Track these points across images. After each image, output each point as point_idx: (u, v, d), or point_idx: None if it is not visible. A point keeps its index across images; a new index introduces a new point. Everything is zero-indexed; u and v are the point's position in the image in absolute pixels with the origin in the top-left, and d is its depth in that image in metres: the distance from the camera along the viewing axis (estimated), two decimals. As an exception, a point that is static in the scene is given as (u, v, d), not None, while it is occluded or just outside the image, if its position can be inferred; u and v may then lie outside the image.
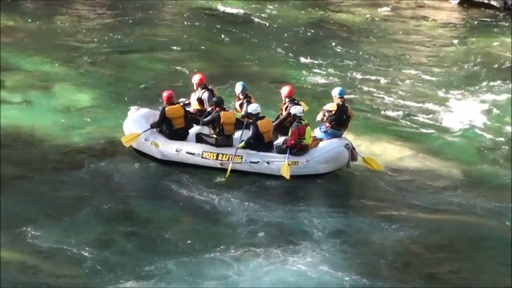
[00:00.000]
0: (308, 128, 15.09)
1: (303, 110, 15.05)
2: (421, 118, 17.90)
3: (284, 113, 15.50)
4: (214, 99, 15.40)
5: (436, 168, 15.44)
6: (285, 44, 22.65)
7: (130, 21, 22.84)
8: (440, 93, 19.45)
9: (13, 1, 24.23)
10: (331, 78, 20.11)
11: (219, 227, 13.00)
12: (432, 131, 17.24)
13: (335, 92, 15.60)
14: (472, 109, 18.45)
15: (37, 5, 23.90)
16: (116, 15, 23.07)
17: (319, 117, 15.46)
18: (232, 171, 14.69)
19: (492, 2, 28.17)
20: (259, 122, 14.98)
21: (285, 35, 23.48)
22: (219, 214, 13.44)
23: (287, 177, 14.36)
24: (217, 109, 15.10)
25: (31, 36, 21.26)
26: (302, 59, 21.12)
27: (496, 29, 25.76)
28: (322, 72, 20.47)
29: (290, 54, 21.74)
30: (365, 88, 19.58)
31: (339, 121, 15.50)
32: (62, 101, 17.21)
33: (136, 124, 15.45)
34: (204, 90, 15.84)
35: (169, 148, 15.13)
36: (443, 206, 13.90)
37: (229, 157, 14.88)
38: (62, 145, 15.25)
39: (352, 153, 15.26)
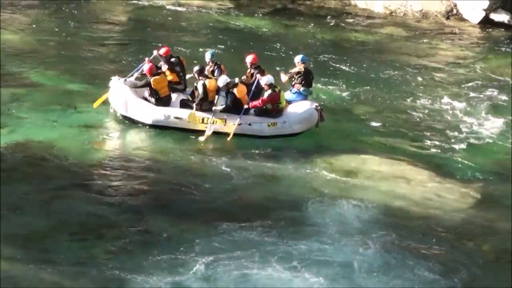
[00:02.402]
0: (282, 92, 17.12)
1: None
2: (439, 138, 17.84)
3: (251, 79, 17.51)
4: (197, 67, 17.15)
5: (452, 187, 15.45)
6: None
7: (151, 39, 22.93)
8: (458, 114, 19.37)
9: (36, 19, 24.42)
10: (347, 96, 20.15)
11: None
12: (448, 151, 17.20)
13: (298, 58, 17.79)
14: (490, 130, 18.40)
15: (58, 22, 24.05)
16: (137, 33, 23.19)
17: (283, 78, 17.66)
18: (217, 133, 16.62)
19: (513, 23, 28.19)
20: (236, 89, 16.87)
21: (303, 53, 23.45)
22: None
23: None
24: (201, 77, 16.93)
25: (52, 52, 21.34)
26: (320, 78, 21.10)
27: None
28: (337, 90, 20.49)
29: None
30: (383, 107, 19.59)
31: (308, 80, 17.61)
32: (83, 118, 17.26)
33: (124, 93, 17.02)
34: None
35: (158, 114, 16.77)
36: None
37: (213, 121, 16.69)
38: (82, 162, 15.29)
39: (321, 114, 17.21)
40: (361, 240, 13.16)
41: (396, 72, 22.52)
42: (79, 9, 26.56)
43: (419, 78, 22.08)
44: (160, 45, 18.62)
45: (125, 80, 17.43)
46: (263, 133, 16.91)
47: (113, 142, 16.78)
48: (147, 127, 16.94)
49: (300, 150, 16.61)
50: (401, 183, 15.49)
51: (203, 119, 16.79)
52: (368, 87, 20.91)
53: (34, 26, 23.75)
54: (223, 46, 21.05)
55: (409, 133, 18.11)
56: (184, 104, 17.14)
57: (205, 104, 16.89)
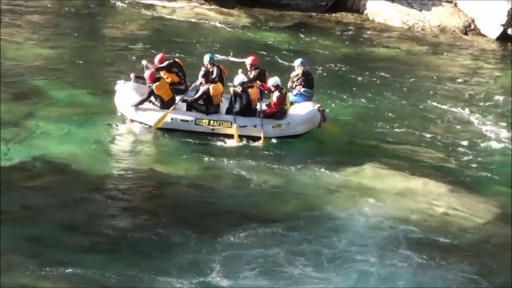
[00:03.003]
0: (287, 95, 17.47)
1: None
2: (457, 152, 17.89)
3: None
4: (202, 72, 17.47)
5: (472, 202, 15.46)
6: (321, 75, 22.80)
7: (168, 50, 23.01)
8: (477, 128, 19.45)
9: (54, 35, 24.60)
10: (364, 109, 20.20)
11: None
12: (467, 165, 17.24)
13: (297, 62, 18.44)
14: (509, 144, 18.45)
15: (73, 38, 24.25)
16: (155, 45, 23.27)
17: (288, 85, 18.02)
18: (224, 135, 17.08)
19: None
20: (250, 90, 17.19)
21: (321, 68, 23.60)
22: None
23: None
24: (203, 80, 17.21)
25: (67, 65, 21.33)
26: (339, 92, 21.25)
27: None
28: (355, 103, 20.53)
29: (326, 86, 21.79)
30: (400, 120, 19.59)
31: (308, 81, 18.11)
32: (97, 131, 17.32)
33: (130, 97, 17.30)
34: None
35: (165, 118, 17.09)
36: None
37: (220, 123, 17.03)
38: (97, 175, 15.33)
39: (323, 115, 17.56)
40: (377, 254, 13.17)
41: (414, 86, 22.57)
42: (96, 20, 26.81)
43: (437, 93, 22.12)
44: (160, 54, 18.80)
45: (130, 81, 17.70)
46: (268, 135, 17.21)
47: (126, 148, 16.90)
48: (156, 130, 17.21)
49: (317, 161, 16.65)
50: (419, 197, 15.49)
51: (209, 122, 17.11)
52: (385, 101, 20.96)
53: (49, 39, 23.85)
54: (240, 60, 21.14)
55: (426, 147, 18.13)
56: (190, 106, 17.47)
57: (212, 107, 17.24)
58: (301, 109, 17.58)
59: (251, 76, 17.97)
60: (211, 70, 17.99)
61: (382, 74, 23.55)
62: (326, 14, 29.92)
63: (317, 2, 30.30)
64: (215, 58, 19.21)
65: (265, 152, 16.80)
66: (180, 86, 18.11)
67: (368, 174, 16.27)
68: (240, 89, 17.24)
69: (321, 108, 17.63)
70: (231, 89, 17.32)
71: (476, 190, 16.02)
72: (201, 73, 17.50)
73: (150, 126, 17.22)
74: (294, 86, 18.08)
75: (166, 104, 17.31)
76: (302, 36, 27.16)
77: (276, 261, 12.71)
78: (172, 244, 13.01)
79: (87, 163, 15.67)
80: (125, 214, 14.01)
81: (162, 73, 17.91)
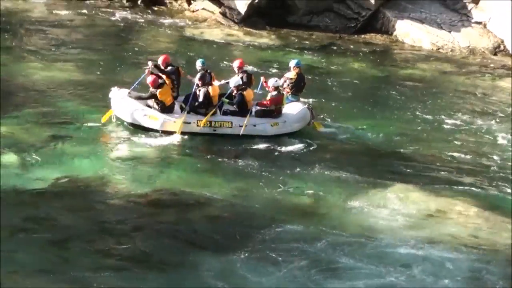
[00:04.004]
0: (284, 95, 18.70)
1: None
2: (486, 173, 17.80)
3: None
4: (199, 75, 18.35)
5: (502, 224, 15.31)
6: (351, 96, 22.97)
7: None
8: (507, 149, 19.37)
9: (83, 54, 24.88)
10: (393, 129, 20.19)
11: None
12: (497, 186, 17.11)
13: (293, 63, 19.39)
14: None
15: (102, 57, 24.54)
16: (186, 66, 23.47)
17: (280, 82, 18.82)
18: (223, 135, 18.14)
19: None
20: (245, 92, 18.25)
21: (351, 88, 23.72)
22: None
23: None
24: (200, 83, 18.13)
25: (96, 88, 21.50)
26: (367, 112, 21.40)
27: None
28: (384, 123, 20.58)
29: (355, 106, 22.01)
30: (428, 141, 19.63)
31: (298, 87, 19.21)
32: (127, 153, 17.55)
33: (128, 102, 18.12)
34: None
35: (167, 121, 17.96)
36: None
37: (220, 123, 18.06)
38: (127, 196, 15.42)
39: (312, 112, 18.84)
40: (405, 276, 13.15)
41: (443, 107, 22.52)
42: (126, 40, 27.27)
43: (466, 114, 22.06)
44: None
45: (129, 92, 18.41)
46: (267, 133, 18.40)
47: (149, 163, 17.06)
48: (159, 133, 18.01)
49: (347, 180, 16.78)
50: (447, 219, 15.39)
51: (210, 123, 18.05)
52: (414, 122, 21.00)
53: (77, 58, 24.21)
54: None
55: (455, 167, 18.07)
56: (191, 107, 18.18)
57: (210, 108, 18.12)
58: (293, 109, 18.84)
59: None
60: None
61: (411, 94, 23.61)
62: (355, 35, 30.03)
63: (346, 23, 30.45)
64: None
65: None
66: (173, 92, 18.71)
67: (395, 194, 16.19)
68: (236, 92, 18.27)
69: (310, 107, 18.97)
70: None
71: (506, 211, 15.80)
72: (198, 76, 18.40)
73: (153, 131, 17.99)
74: (283, 88, 18.98)
75: (167, 109, 18.15)
76: (332, 57, 27.30)
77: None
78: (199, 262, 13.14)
79: (115, 182, 15.85)
80: (149, 231, 14.17)
81: (165, 77, 18.58)
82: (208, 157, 17.55)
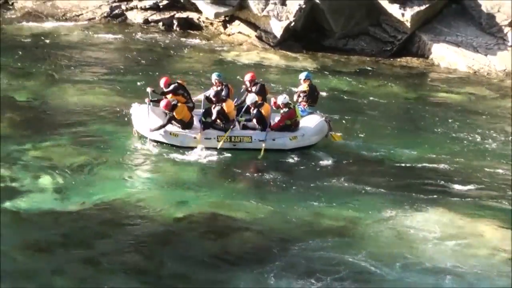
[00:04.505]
0: (297, 108, 18.88)
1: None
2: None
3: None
4: (213, 92, 18.78)
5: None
6: (387, 120, 22.90)
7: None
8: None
9: (120, 75, 25.13)
10: (429, 153, 20.02)
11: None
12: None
13: (303, 76, 19.76)
14: None
15: (138, 79, 24.71)
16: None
17: (295, 98, 19.35)
18: (243, 149, 18.40)
19: None
20: (262, 108, 18.49)
21: (387, 112, 23.68)
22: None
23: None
24: (215, 99, 18.48)
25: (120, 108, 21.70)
26: (403, 135, 21.34)
27: None
28: (420, 148, 20.40)
29: (391, 129, 21.99)
30: (463, 165, 19.43)
31: (313, 98, 19.56)
32: (165, 177, 17.64)
33: (152, 117, 18.43)
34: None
35: (187, 137, 18.31)
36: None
37: (240, 138, 18.30)
38: (168, 219, 15.52)
39: (329, 124, 19.11)
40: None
41: (479, 131, 22.32)
42: (163, 62, 27.53)
43: (502, 137, 21.90)
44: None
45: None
46: (286, 147, 18.60)
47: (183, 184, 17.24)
48: (181, 150, 18.28)
49: (382, 202, 16.72)
50: (476, 243, 15.25)
51: (230, 138, 18.35)
52: (451, 145, 20.87)
53: (115, 80, 24.63)
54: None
55: (488, 191, 17.89)
56: (207, 125, 18.56)
57: (228, 124, 18.49)
58: (311, 121, 19.07)
59: (253, 91, 19.19)
60: (220, 88, 19.12)
61: (446, 116, 23.49)
62: (391, 59, 30.02)
63: (382, 47, 30.46)
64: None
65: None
66: (188, 104, 19.02)
67: (424, 216, 16.16)
68: (253, 108, 18.50)
69: (328, 119, 19.15)
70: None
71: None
72: (212, 93, 18.79)
73: (175, 146, 18.33)
74: (299, 102, 19.42)
75: (187, 125, 18.55)
76: (367, 80, 27.28)
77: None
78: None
79: (158, 209, 15.90)
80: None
81: (170, 96, 18.86)
82: (232, 172, 17.76)
